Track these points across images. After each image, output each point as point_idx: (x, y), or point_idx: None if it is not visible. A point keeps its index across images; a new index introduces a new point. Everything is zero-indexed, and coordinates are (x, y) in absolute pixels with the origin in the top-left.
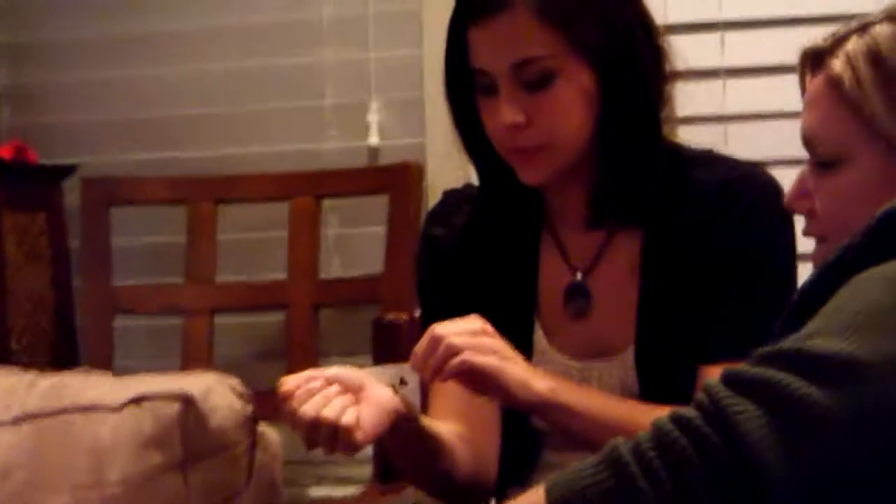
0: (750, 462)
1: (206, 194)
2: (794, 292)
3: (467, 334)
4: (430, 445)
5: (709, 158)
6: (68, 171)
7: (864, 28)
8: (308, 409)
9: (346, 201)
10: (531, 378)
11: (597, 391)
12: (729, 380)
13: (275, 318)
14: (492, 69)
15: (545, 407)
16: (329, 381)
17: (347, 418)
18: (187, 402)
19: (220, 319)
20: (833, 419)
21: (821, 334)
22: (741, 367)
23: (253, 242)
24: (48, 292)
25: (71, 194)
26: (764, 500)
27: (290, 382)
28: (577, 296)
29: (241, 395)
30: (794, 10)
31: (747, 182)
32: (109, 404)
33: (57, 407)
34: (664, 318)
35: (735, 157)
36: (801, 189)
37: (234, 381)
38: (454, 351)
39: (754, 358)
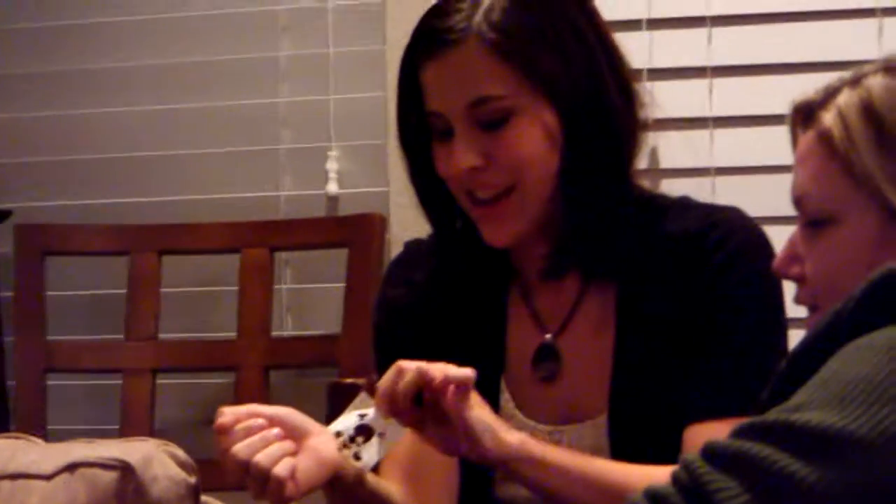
0: None
1: (149, 244)
2: (782, 344)
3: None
4: None
5: (684, 206)
6: (0, 217)
7: (857, 80)
8: (241, 449)
9: (301, 254)
10: (501, 428)
11: (565, 448)
12: (709, 454)
13: (222, 379)
14: (446, 110)
15: (516, 460)
16: (272, 422)
17: (281, 469)
18: (126, 470)
19: (163, 380)
20: (821, 498)
21: (810, 406)
22: (722, 440)
23: (200, 297)
24: None
25: (3, 242)
26: None
27: (229, 415)
28: (547, 358)
29: (183, 465)
30: (788, 57)
31: (727, 229)
32: (40, 472)
33: None
34: (640, 379)
35: (712, 203)
36: (791, 253)
37: (177, 449)
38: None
39: (737, 430)
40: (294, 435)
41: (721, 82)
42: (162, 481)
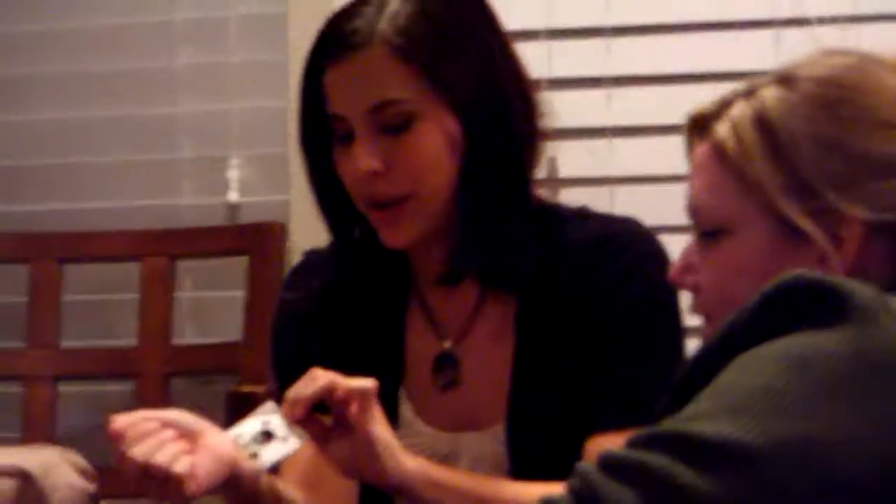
0: None
1: (50, 252)
2: (681, 354)
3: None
4: None
5: (582, 216)
6: None
7: (751, 92)
8: (138, 452)
9: (202, 262)
10: (402, 452)
11: (463, 470)
12: (605, 464)
13: (123, 387)
14: (348, 113)
15: (416, 482)
16: (165, 424)
17: (179, 466)
18: (25, 479)
19: (64, 388)
20: None
21: (705, 416)
22: (618, 449)
23: (101, 305)
24: None
25: None
26: None
27: (121, 421)
28: (446, 366)
29: (83, 472)
30: (687, 67)
31: (624, 240)
32: None
33: None
34: (539, 388)
35: (610, 214)
36: (686, 263)
37: (77, 457)
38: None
39: (632, 440)
40: (188, 436)
41: (620, 92)
42: (62, 489)
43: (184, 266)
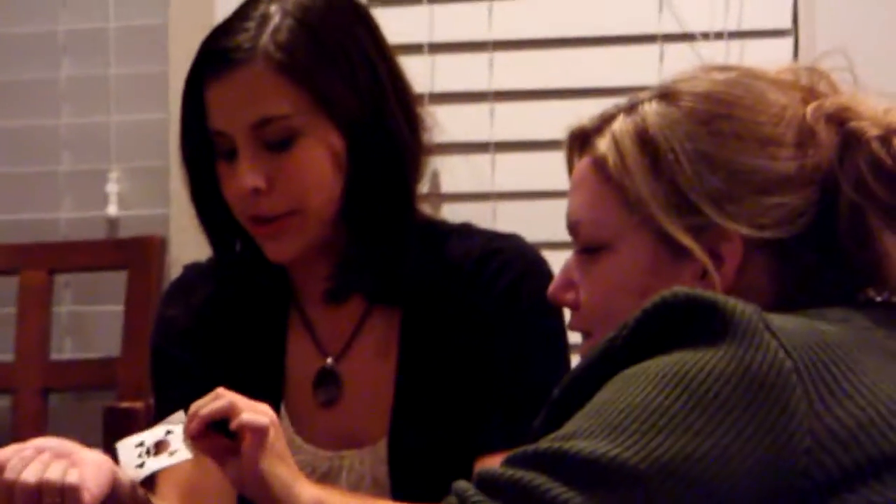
0: None
1: None
2: (566, 371)
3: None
4: None
5: (465, 231)
6: None
7: (632, 107)
8: (28, 475)
9: (81, 276)
10: (297, 483)
11: (361, 497)
12: (482, 482)
13: (0, 402)
14: (230, 130)
15: None
16: (38, 450)
17: (71, 478)
18: None
19: None
20: None
21: (582, 435)
22: (495, 468)
23: None
24: None
25: None
26: None
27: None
28: (327, 383)
29: None
30: (570, 82)
31: (507, 257)
32: None
33: None
34: (422, 406)
35: (493, 230)
36: (566, 279)
37: None
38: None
39: (509, 458)
40: (61, 456)
41: (502, 107)
42: None
43: (62, 280)
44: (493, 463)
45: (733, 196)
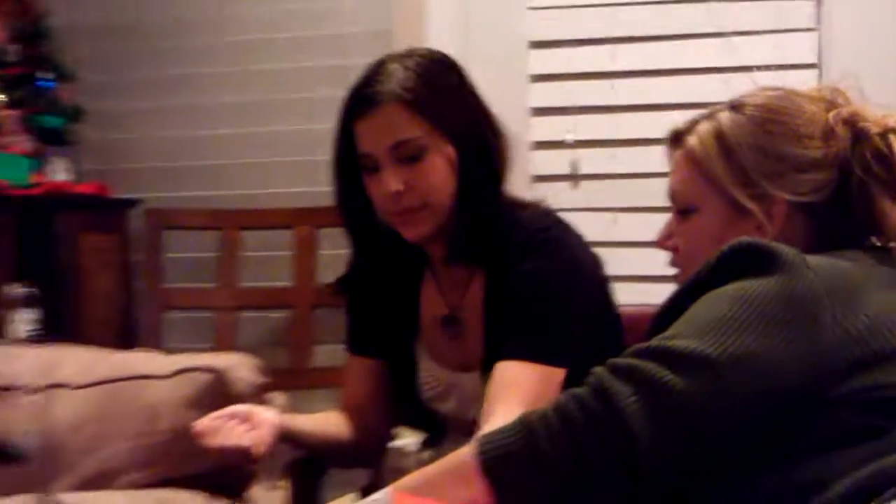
0: (624, 428)
1: (234, 222)
2: (576, 311)
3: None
4: (313, 440)
5: (531, 208)
6: (133, 203)
7: (711, 115)
8: (213, 441)
9: (335, 230)
10: None
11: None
12: (610, 367)
13: (283, 315)
14: (375, 152)
15: None
16: (229, 416)
17: (243, 441)
18: (218, 373)
19: (244, 315)
20: (688, 401)
21: (679, 336)
22: (620, 359)
23: (265, 259)
24: (116, 293)
25: (136, 221)
26: (633, 457)
27: (201, 424)
28: (452, 323)
29: (257, 370)
30: (667, 99)
31: (540, 237)
32: (161, 374)
33: (122, 375)
34: (496, 342)
35: (549, 208)
36: (668, 232)
37: (253, 360)
38: None
39: (629, 351)
40: (244, 419)
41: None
42: (242, 381)
43: (325, 232)
44: (508, 368)
45: (780, 174)
